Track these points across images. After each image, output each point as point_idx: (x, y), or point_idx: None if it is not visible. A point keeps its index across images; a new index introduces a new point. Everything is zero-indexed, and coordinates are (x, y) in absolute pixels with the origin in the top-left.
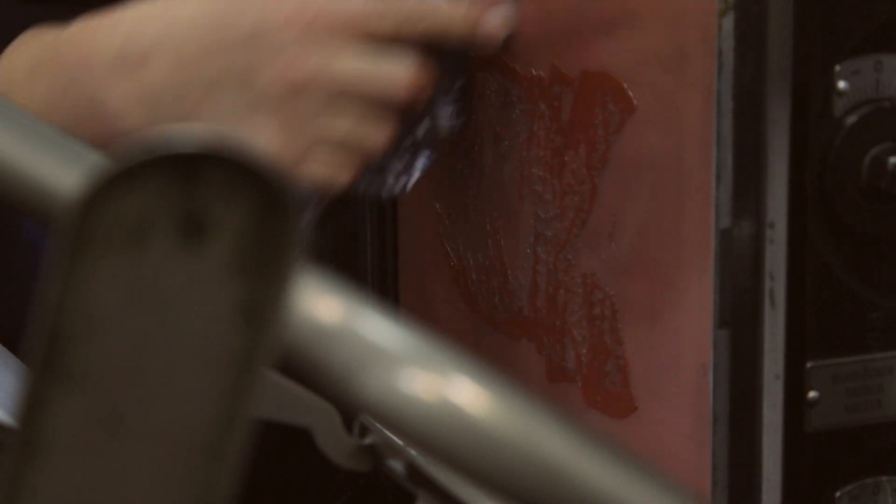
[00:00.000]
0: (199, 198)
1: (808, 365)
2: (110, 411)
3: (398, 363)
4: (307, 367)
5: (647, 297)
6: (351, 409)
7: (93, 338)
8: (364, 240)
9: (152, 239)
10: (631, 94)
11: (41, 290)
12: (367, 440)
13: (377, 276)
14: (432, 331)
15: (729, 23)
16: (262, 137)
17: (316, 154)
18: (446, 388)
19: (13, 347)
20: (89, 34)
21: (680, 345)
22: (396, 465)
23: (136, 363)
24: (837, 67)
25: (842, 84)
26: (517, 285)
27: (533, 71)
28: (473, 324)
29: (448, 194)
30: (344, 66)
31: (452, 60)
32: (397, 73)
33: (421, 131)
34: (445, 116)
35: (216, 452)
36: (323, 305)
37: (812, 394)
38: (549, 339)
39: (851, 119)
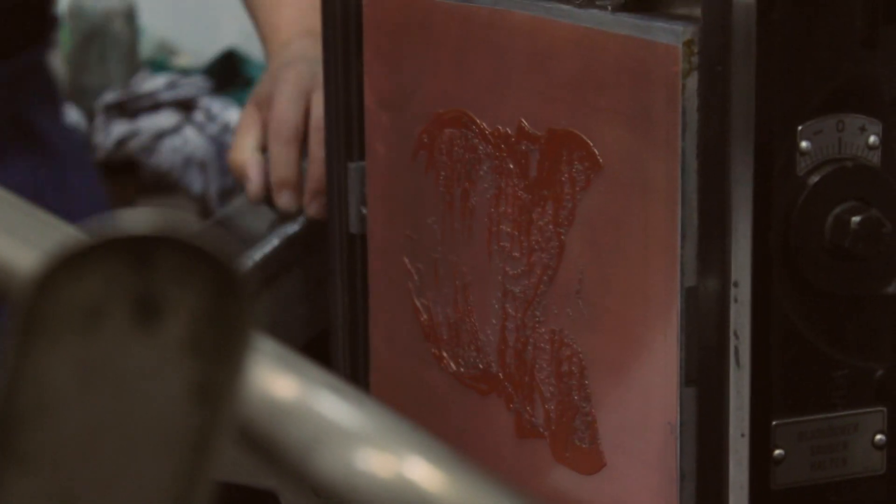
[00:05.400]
0: (153, 280)
1: (774, 423)
2: (65, 493)
3: (353, 441)
4: (263, 445)
5: (615, 354)
6: (308, 489)
7: (47, 420)
8: (335, 296)
9: (106, 321)
10: (597, 152)
11: None
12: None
13: (347, 332)
14: (394, 400)
15: (693, 83)
16: None
17: None
18: (401, 466)
19: None
20: None
21: (647, 402)
22: None
23: (91, 445)
24: (800, 127)
25: (804, 144)
26: (486, 342)
27: (500, 128)
28: (443, 380)
29: (417, 250)
30: None
31: None
32: None
33: None
34: None
35: None
36: (279, 383)
37: (778, 451)
38: (518, 396)
39: (814, 178)
